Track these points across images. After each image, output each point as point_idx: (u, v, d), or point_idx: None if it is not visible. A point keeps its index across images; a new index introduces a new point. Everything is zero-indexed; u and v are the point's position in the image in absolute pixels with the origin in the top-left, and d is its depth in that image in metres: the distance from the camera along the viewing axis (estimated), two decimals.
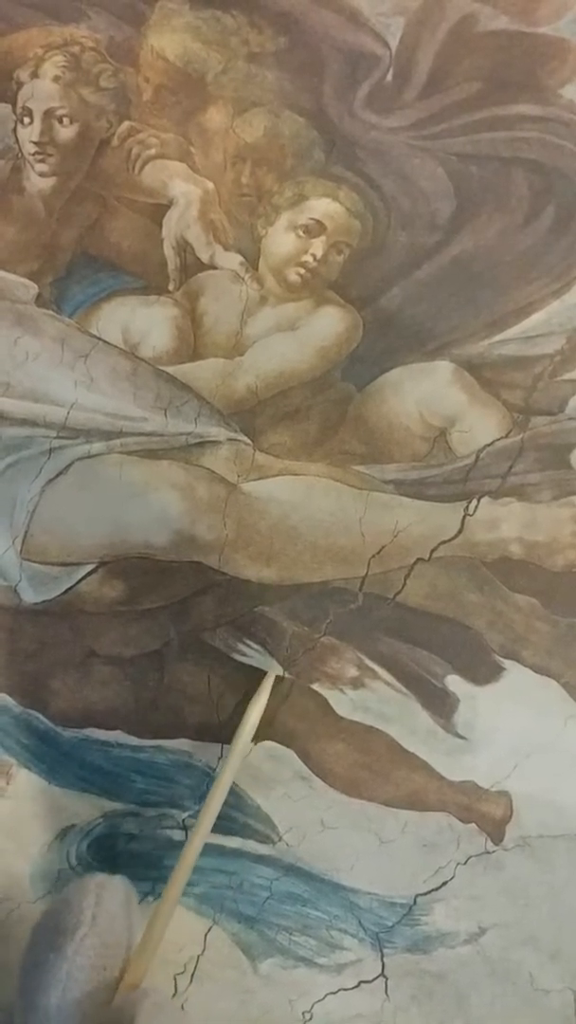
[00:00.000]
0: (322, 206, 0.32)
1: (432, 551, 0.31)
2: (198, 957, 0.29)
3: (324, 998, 0.28)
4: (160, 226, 0.32)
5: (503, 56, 0.33)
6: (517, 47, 0.33)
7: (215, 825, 0.28)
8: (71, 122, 0.32)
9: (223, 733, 0.29)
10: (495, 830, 0.30)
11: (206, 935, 0.29)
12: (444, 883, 0.29)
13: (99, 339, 0.31)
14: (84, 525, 0.30)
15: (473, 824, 0.30)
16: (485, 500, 0.31)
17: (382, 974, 0.29)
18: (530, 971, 0.29)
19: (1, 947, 0.28)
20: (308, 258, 0.32)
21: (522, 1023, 0.28)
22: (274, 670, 0.30)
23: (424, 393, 0.32)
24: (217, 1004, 0.28)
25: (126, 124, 0.33)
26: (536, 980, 0.29)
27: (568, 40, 0.33)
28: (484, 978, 0.29)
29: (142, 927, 0.24)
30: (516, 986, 0.29)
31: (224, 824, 0.29)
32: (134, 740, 0.30)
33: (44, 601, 0.30)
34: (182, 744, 0.30)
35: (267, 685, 0.29)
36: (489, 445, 0.31)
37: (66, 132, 0.32)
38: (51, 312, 0.32)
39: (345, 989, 0.29)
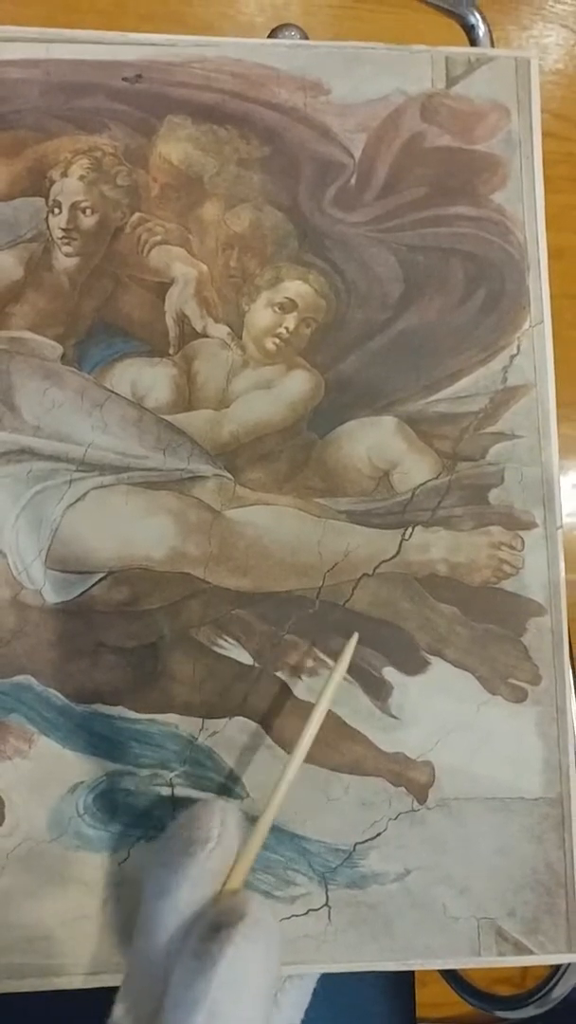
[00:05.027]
0: (295, 287, 0.38)
1: (375, 568, 0.37)
2: None
3: (279, 922, 0.33)
4: (163, 300, 0.37)
5: (446, 167, 0.39)
6: (457, 160, 0.39)
7: (201, 784, 0.34)
8: (92, 213, 0.37)
9: (203, 709, 0.35)
10: (420, 793, 0.35)
11: None
12: (378, 834, 0.35)
13: (112, 392, 0.36)
14: (97, 541, 0.35)
15: (403, 787, 0.35)
16: (419, 528, 0.37)
17: (326, 904, 0.34)
18: (444, 903, 0.35)
19: (23, 875, 0.34)
20: (282, 330, 0.38)
21: (436, 942, 0.35)
22: (354, 638, 0.34)
23: (372, 442, 0.37)
24: None
25: (137, 215, 0.37)
26: (448, 910, 0.35)
27: (498, 156, 0.39)
28: (407, 908, 0.35)
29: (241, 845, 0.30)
30: (433, 914, 0.35)
31: (205, 783, 0.35)
32: (133, 714, 0.35)
33: (63, 601, 0.35)
34: (170, 718, 0.35)
35: (350, 647, 0.34)
36: (423, 484, 0.37)
37: (88, 221, 0.37)
38: (73, 369, 0.36)
39: (296, 915, 0.34)
